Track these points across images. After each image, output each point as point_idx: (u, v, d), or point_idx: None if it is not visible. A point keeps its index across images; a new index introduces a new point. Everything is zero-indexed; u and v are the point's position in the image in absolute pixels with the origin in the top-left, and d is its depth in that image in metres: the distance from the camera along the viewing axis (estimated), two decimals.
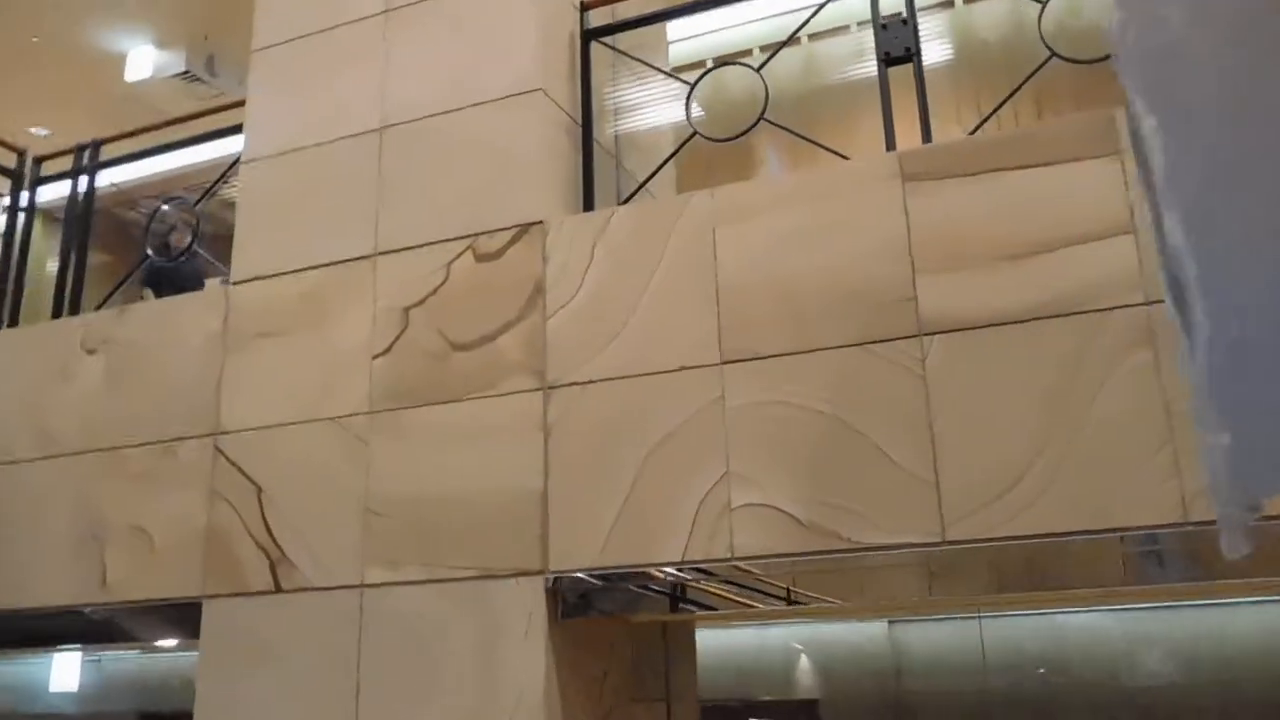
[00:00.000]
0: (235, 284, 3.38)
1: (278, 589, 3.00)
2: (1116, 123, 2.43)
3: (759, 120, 3.01)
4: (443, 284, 3.06)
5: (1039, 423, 2.36)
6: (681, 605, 3.06)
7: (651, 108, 3.64)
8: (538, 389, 2.86)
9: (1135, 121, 1.38)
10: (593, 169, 3.23)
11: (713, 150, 3.15)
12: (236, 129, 3.67)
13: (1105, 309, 2.36)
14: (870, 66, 3.01)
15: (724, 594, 3.06)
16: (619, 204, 3.24)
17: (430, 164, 3.18)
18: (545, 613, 2.70)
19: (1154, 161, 1.23)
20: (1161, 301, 2.27)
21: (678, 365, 2.72)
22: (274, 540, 3.04)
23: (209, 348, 3.33)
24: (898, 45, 2.89)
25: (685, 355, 2.72)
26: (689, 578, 2.81)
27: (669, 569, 2.70)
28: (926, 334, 2.49)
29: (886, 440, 2.47)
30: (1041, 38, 2.72)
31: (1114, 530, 2.28)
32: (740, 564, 2.62)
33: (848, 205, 2.65)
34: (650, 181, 3.32)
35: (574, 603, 2.79)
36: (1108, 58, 2.68)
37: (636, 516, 2.67)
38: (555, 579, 2.72)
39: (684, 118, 3.15)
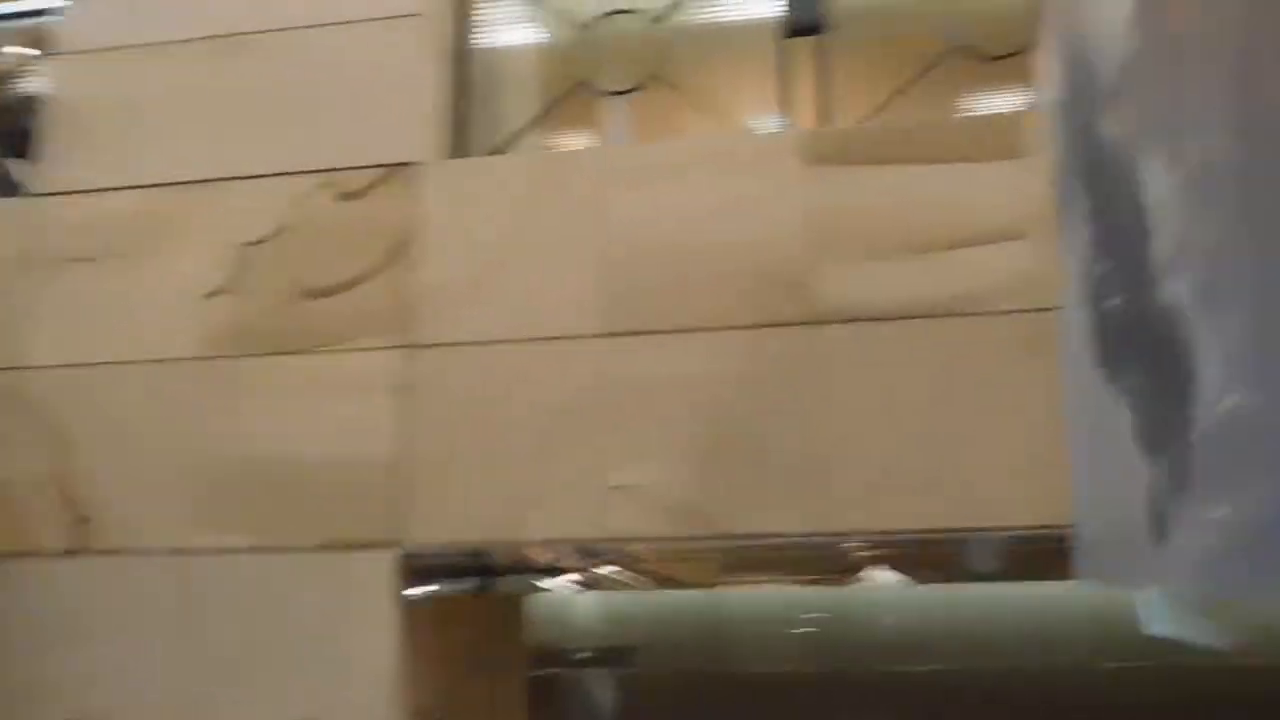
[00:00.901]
0: (43, 197, 2.92)
1: (83, 551, 2.65)
2: (1021, 125, 2.43)
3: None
4: (295, 220, 2.75)
5: (930, 419, 2.36)
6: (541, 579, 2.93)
7: (536, 47, 3.40)
8: (400, 346, 2.63)
9: (1126, 165, 1.34)
10: (468, 109, 2.98)
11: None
12: None
13: (1000, 312, 2.38)
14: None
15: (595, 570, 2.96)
16: (497, 151, 3.01)
17: (289, 84, 2.84)
18: (396, 588, 2.51)
19: (1167, 222, 1.17)
20: (1051, 309, 2.32)
21: (561, 333, 2.56)
22: (81, 495, 2.68)
23: (7, 269, 2.87)
24: (804, 16, 2.80)
25: (570, 323, 2.56)
26: (558, 556, 2.69)
27: (538, 547, 2.57)
28: (824, 322, 2.44)
29: (778, 427, 2.41)
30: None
31: (997, 529, 2.32)
32: (616, 544, 2.52)
33: (752, 180, 2.54)
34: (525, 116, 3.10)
35: (429, 578, 2.61)
36: (1016, 54, 2.71)
37: (506, 490, 2.51)
38: (410, 552, 2.53)
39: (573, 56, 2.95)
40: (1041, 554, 2.35)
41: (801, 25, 2.80)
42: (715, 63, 3.11)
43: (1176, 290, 1.16)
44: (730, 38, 3.08)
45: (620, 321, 2.54)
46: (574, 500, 2.46)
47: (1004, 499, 2.30)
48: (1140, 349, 1.35)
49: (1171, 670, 3.34)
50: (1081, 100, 1.74)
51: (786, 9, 2.80)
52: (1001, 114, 2.47)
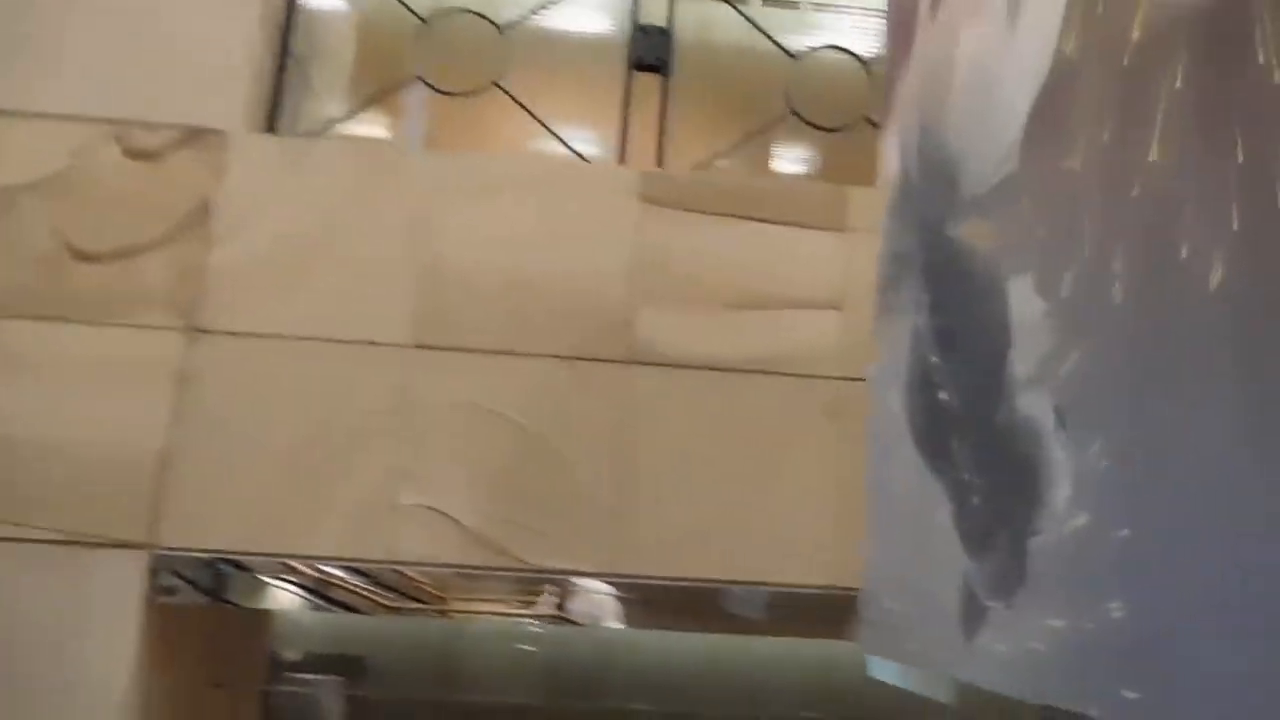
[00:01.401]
0: None
1: None
2: (850, 199, 2.54)
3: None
4: (73, 171, 2.44)
5: (732, 472, 2.40)
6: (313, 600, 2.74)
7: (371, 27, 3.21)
8: (181, 328, 2.39)
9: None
10: (287, 82, 2.77)
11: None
12: None
13: (807, 375, 2.46)
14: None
15: (367, 594, 2.79)
16: (315, 133, 2.81)
17: (88, 18, 2.53)
18: (143, 592, 2.28)
19: (1033, 342, 1.24)
20: (855, 379, 2.43)
21: (366, 338, 2.42)
22: None
23: None
24: (651, 53, 2.80)
25: (378, 329, 2.42)
26: (332, 574, 2.52)
27: (309, 563, 2.40)
28: (640, 363, 2.44)
29: (582, 464, 2.38)
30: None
31: (779, 585, 2.39)
32: (397, 568, 2.39)
33: (586, 211, 2.51)
34: (328, 76, 2.92)
35: (181, 586, 2.38)
36: (843, 129, 2.83)
37: (283, 499, 2.33)
38: (163, 555, 2.30)
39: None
40: (817, 612, 2.45)
41: (646, 62, 2.80)
42: (560, 84, 3.06)
43: (1036, 408, 1.22)
44: (579, 62, 3.04)
45: (432, 335, 2.43)
46: (359, 518, 2.32)
47: (791, 556, 2.38)
48: (982, 450, 1.42)
49: None
50: (931, 198, 1.81)
51: (633, 43, 2.80)
52: (834, 186, 2.56)
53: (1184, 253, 0.98)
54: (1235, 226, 0.93)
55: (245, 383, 2.37)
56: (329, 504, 2.33)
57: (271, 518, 2.30)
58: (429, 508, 2.34)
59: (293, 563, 2.37)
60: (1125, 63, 1.08)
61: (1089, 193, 1.14)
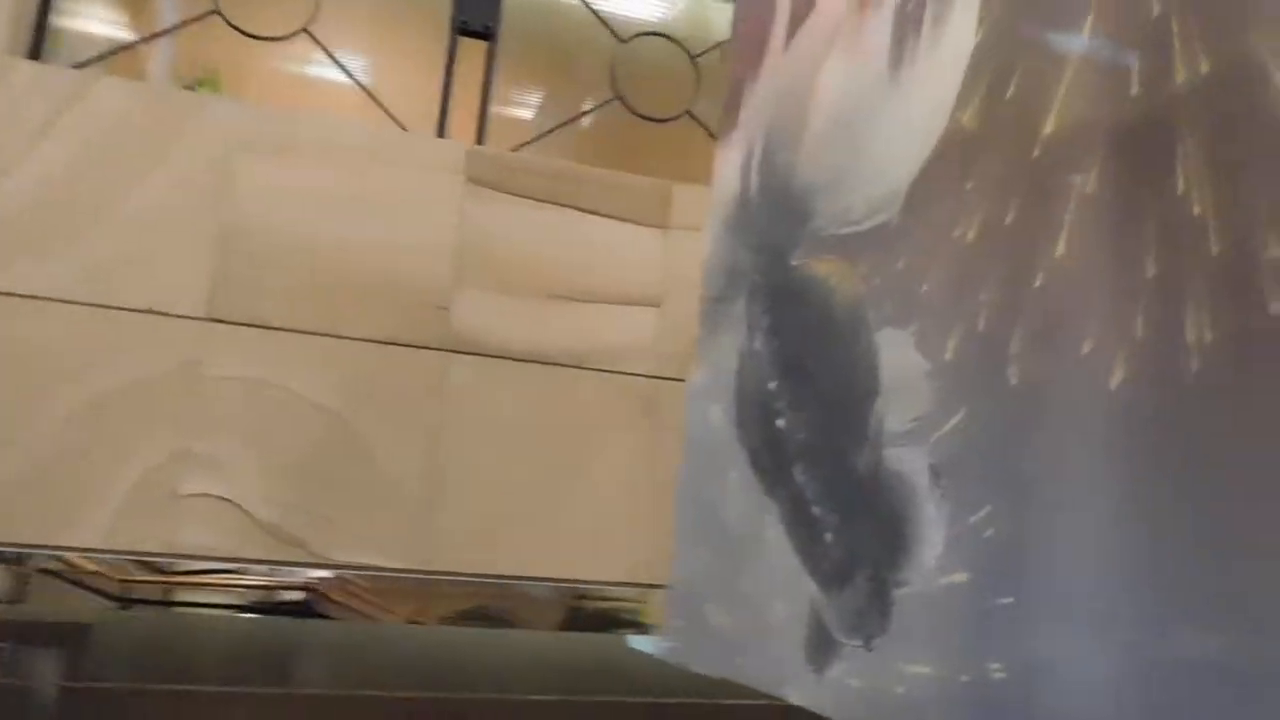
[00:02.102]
0: None
1: None
2: (678, 197, 2.54)
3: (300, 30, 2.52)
4: None
5: (545, 467, 2.36)
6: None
7: None
8: None
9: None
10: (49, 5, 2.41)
11: None
12: None
13: (624, 372, 2.45)
14: None
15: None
16: (89, 64, 2.46)
17: None
18: None
19: (909, 394, 1.28)
20: (671, 379, 2.45)
21: (147, 306, 2.16)
22: None
23: None
24: (478, 18, 2.66)
25: (162, 298, 2.17)
26: (107, 566, 2.27)
27: (79, 553, 2.14)
28: (456, 350, 2.34)
29: (389, 454, 2.26)
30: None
31: (593, 583, 2.39)
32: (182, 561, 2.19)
33: (405, 186, 2.36)
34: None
35: None
36: (675, 118, 2.82)
37: (45, 483, 2.06)
38: None
39: None
40: (623, 609, 2.48)
41: (471, 27, 2.66)
42: (382, 45, 2.85)
43: (909, 462, 1.27)
44: (401, 20, 2.84)
45: (226, 308, 2.21)
46: (138, 506, 2.10)
47: (599, 553, 2.38)
48: (839, 489, 1.46)
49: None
50: (776, 223, 1.84)
51: (458, 6, 2.64)
52: (660, 181, 2.54)
53: (1085, 349, 1.04)
54: (1139, 334, 0.99)
55: (3, 351, 2.07)
56: (103, 490, 2.08)
57: (33, 506, 2.03)
58: (217, 497, 2.15)
59: (64, 555, 2.11)
60: (1036, 154, 1.13)
61: (985, 268, 1.19)
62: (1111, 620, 0.96)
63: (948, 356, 1.24)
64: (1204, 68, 0.93)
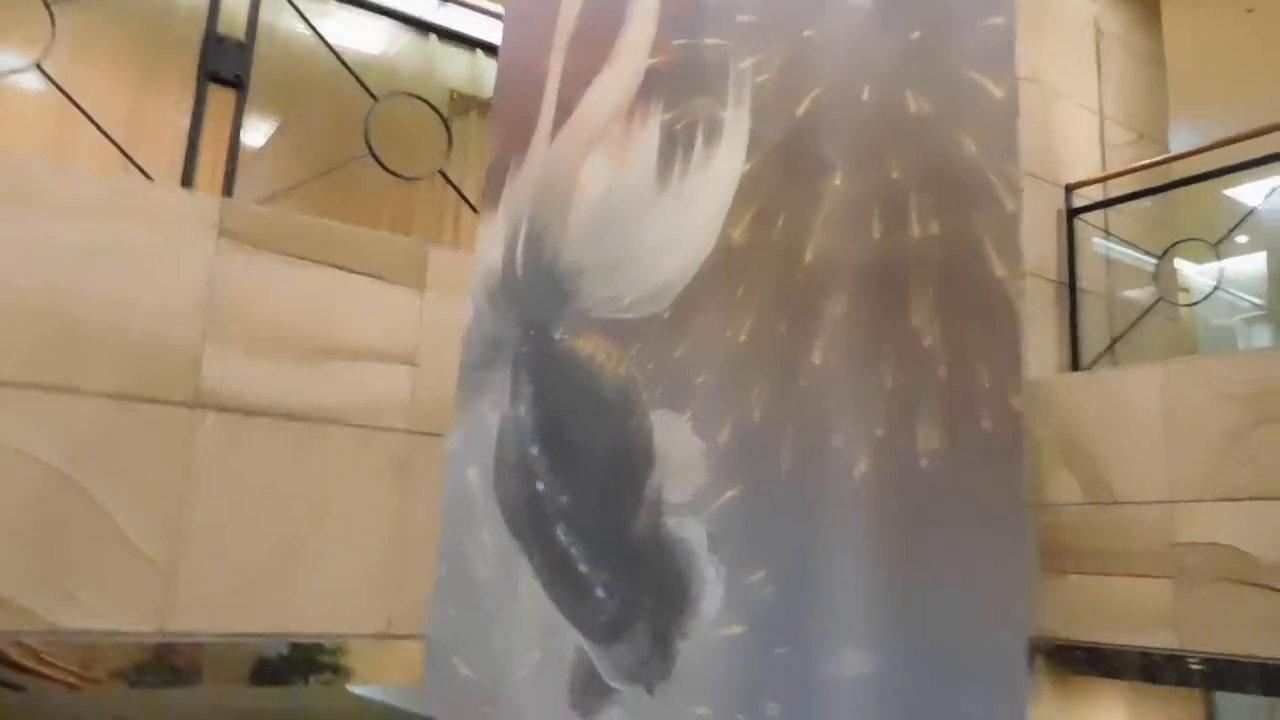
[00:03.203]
0: None
1: None
2: (435, 259, 2.62)
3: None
4: None
5: (296, 525, 2.35)
6: None
7: None
8: None
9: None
10: None
11: None
12: None
13: (376, 428, 2.49)
14: None
15: None
16: None
17: None
18: None
19: (684, 470, 1.47)
20: (425, 435, 2.53)
21: None
22: None
23: None
24: (228, 67, 2.61)
25: None
26: None
27: None
28: (205, 407, 2.28)
29: (129, 514, 2.16)
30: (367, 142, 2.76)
31: (343, 635, 2.39)
32: None
33: (153, 238, 2.27)
34: None
35: None
36: (418, 178, 2.88)
37: None
38: None
39: None
40: (371, 661, 2.49)
41: (222, 76, 2.61)
42: (130, 91, 2.70)
43: (687, 530, 1.46)
44: (151, 66, 2.71)
45: None
46: None
47: (348, 609, 2.40)
48: (610, 551, 1.62)
49: None
50: (539, 300, 1.99)
51: (204, 52, 2.59)
52: (416, 242, 2.61)
53: (836, 442, 1.28)
54: (879, 434, 1.24)
55: None
56: None
57: None
58: None
59: None
60: (798, 277, 1.36)
61: (755, 367, 1.41)
62: (865, 657, 1.20)
63: (722, 440, 1.44)
64: (934, 229, 1.20)
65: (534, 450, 1.91)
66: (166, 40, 2.93)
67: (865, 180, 1.31)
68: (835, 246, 1.33)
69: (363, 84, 2.81)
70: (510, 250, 2.15)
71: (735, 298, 1.46)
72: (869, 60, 1.36)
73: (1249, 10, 5.49)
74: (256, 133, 2.98)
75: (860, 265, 1.29)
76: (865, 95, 1.33)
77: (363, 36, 3.34)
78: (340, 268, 2.51)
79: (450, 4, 3.54)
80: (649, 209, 1.72)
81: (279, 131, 2.97)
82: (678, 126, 1.68)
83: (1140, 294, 4.16)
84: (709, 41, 1.66)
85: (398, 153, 2.80)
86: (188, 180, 2.50)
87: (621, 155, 1.83)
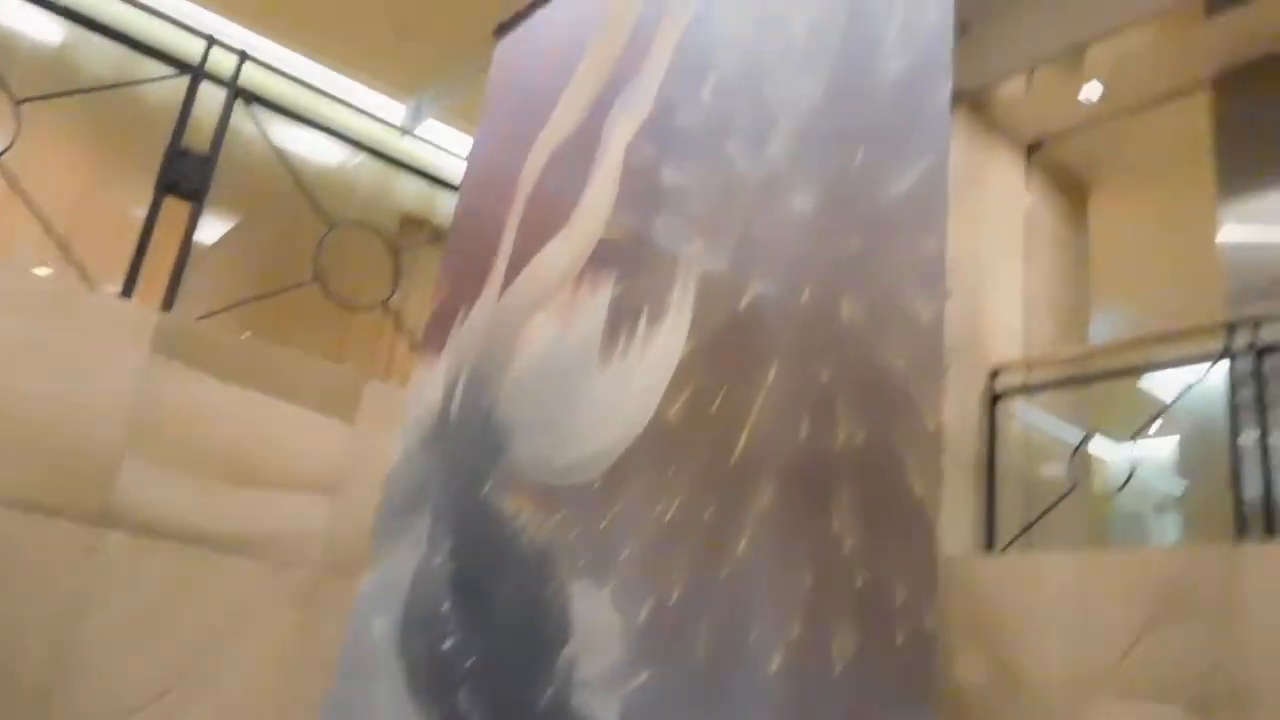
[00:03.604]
0: None
1: None
2: (363, 392, 2.61)
3: None
4: None
5: (189, 653, 2.26)
6: None
7: None
8: None
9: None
10: None
11: None
12: None
13: (284, 561, 2.43)
14: None
15: None
16: None
17: None
18: None
19: (599, 641, 1.46)
20: (332, 572, 2.47)
21: None
22: None
23: None
24: (188, 181, 2.63)
25: None
26: None
27: None
28: (114, 525, 2.21)
29: (20, 636, 2.06)
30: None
31: None
32: None
33: (84, 346, 2.24)
34: None
35: None
36: (363, 309, 2.89)
37: None
38: None
39: None
40: None
41: (178, 188, 2.63)
42: (83, 195, 2.70)
43: (599, 706, 1.43)
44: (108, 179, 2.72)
45: None
46: None
47: None
48: (512, 719, 1.58)
49: None
50: (470, 454, 1.98)
51: (165, 164, 2.61)
52: (352, 373, 2.61)
53: (752, 636, 1.28)
54: (794, 634, 1.25)
55: None
56: None
57: None
58: None
59: None
60: (730, 464, 1.39)
61: (680, 549, 1.42)
62: None
63: (641, 619, 1.43)
64: (859, 438, 1.24)
65: (445, 606, 1.87)
66: (131, 142, 2.96)
67: (797, 378, 1.35)
68: (766, 439, 1.36)
69: (318, 206, 2.85)
70: (448, 397, 2.15)
71: (666, 476, 1.48)
72: (810, 261, 1.42)
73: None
74: (210, 230, 2.98)
75: (788, 461, 1.32)
76: (805, 297, 1.39)
77: (326, 146, 3.38)
78: (271, 393, 2.48)
79: (410, 137, 3.63)
80: (589, 377, 1.75)
81: (233, 230, 2.99)
82: (625, 300, 1.72)
83: (1060, 473, 4.27)
84: (662, 220, 1.73)
85: (346, 272, 2.83)
86: (129, 288, 2.48)
87: (568, 320, 1.86)
